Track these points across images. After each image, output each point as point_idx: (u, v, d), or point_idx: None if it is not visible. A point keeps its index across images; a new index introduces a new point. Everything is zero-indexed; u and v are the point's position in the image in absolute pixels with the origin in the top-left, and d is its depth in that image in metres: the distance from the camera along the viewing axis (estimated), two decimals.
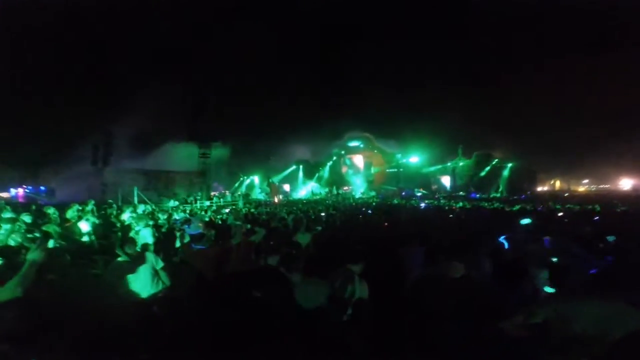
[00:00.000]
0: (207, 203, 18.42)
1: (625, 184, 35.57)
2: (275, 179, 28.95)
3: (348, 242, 3.96)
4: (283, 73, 33.43)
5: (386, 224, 7.44)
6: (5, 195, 20.25)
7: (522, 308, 1.90)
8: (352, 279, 2.81)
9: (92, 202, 10.30)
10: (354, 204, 16.61)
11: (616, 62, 29.35)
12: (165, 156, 26.54)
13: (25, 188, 21.64)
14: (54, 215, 5.43)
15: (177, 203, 17.69)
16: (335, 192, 28.65)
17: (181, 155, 26.26)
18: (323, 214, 9.95)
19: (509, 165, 30.98)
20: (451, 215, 9.94)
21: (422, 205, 11.52)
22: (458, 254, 2.09)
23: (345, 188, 30.12)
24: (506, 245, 3.45)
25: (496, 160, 31.24)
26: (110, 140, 25.92)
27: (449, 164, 32.58)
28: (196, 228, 3.17)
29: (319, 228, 6.02)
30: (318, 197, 26.43)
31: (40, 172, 24.50)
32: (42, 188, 25.03)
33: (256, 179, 31.02)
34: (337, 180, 31.99)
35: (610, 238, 4.60)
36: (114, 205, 9.60)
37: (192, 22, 29.25)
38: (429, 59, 36.37)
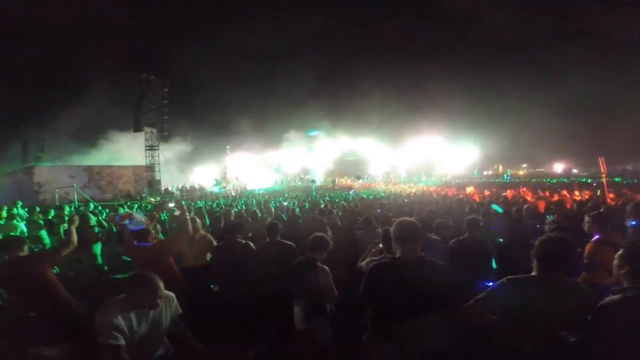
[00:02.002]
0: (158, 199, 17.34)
1: (558, 167, 39.89)
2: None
3: (309, 231, 3.88)
4: (239, 59, 32.08)
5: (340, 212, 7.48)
6: None
7: (481, 292, 1.93)
8: (313, 266, 2.74)
9: (20, 203, 9.21)
10: (314, 193, 16.61)
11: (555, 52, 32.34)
12: (108, 151, 24.46)
13: None
14: None
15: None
16: (295, 182, 28.51)
17: (127, 150, 24.36)
18: (285, 203, 9.84)
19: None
20: (406, 200, 10.31)
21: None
22: (410, 237, 2.06)
23: (307, 177, 30.07)
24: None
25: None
26: (42, 134, 23.29)
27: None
28: (138, 224, 2.88)
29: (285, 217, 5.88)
30: (279, 187, 26.10)
31: None
32: None
33: (212, 171, 29.86)
34: (299, 169, 31.83)
35: (549, 217, 5.04)
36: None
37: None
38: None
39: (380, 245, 2.97)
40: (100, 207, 9.91)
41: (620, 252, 1.76)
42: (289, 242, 3.38)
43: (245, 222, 5.20)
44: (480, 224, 4.77)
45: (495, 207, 6.23)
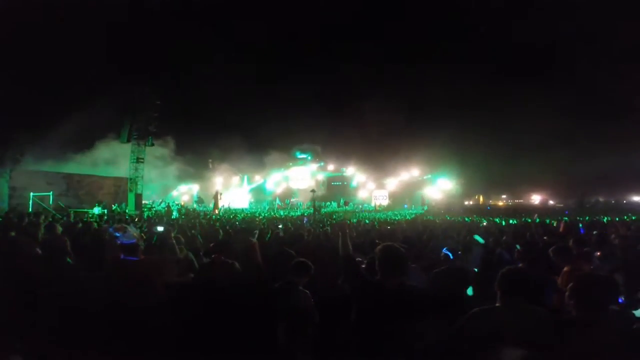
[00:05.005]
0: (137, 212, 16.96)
1: (535, 198, 41.73)
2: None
3: (291, 254, 3.97)
4: (229, 75, 32.37)
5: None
6: None
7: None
8: (294, 290, 2.82)
9: None
10: (299, 214, 16.65)
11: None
12: (91, 159, 23.89)
13: None
14: None
15: (102, 210, 16.00)
16: (280, 203, 28.47)
17: (111, 160, 23.87)
18: (280, 226, 9.80)
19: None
20: (389, 227, 10.48)
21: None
22: (391, 262, 2.17)
23: (293, 200, 30.04)
24: (451, 256, 3.65)
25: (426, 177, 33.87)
26: (24, 137, 22.53)
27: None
28: (130, 238, 2.91)
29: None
30: (262, 209, 25.95)
31: None
32: None
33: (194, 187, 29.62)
34: (284, 191, 31.84)
35: (518, 247, 5.28)
36: None
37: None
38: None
39: (363, 266, 3.08)
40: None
41: (570, 285, 1.97)
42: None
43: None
44: (459, 252, 4.99)
45: (476, 237, 6.38)
